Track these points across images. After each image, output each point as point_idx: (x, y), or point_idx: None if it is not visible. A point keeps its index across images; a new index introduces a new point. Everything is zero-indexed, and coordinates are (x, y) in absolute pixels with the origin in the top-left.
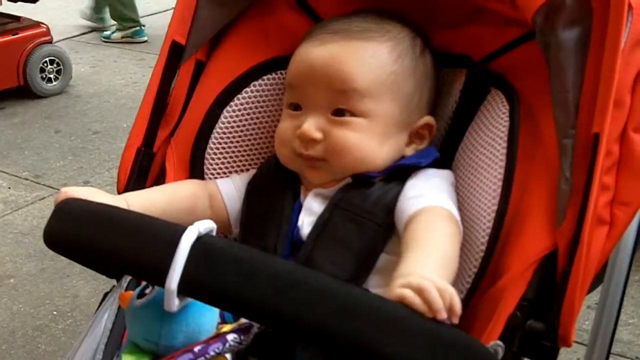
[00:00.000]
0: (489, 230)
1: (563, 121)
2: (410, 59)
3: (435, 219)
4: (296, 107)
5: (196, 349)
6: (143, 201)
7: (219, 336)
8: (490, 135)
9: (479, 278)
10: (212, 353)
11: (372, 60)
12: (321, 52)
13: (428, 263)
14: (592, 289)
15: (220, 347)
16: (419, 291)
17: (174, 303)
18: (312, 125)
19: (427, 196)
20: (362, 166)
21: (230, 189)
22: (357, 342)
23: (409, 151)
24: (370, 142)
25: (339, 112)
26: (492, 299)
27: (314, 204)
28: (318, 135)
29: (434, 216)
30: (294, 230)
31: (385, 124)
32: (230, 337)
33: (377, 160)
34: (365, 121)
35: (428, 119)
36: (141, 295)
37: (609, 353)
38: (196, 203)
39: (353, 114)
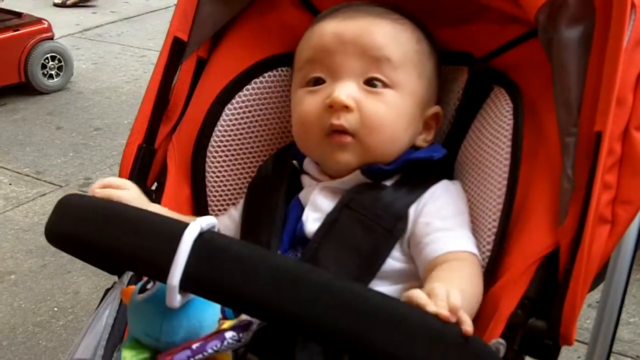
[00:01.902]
0: (494, 230)
1: (565, 119)
2: (427, 43)
3: (463, 271)
4: (316, 81)
5: (194, 346)
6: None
7: (217, 333)
8: (494, 133)
9: (487, 277)
10: (210, 350)
11: (400, 35)
12: (350, 24)
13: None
14: (593, 287)
15: (218, 345)
16: (429, 290)
17: (176, 299)
18: (343, 92)
19: (452, 233)
20: (390, 148)
21: (227, 224)
22: (357, 338)
23: (420, 141)
24: (402, 121)
25: (371, 82)
26: (494, 297)
27: (319, 198)
28: (351, 102)
29: (462, 266)
30: (296, 225)
31: (412, 102)
32: (229, 334)
33: (402, 144)
34: (397, 95)
35: (438, 108)
36: (143, 290)
37: (609, 352)
38: None
39: (385, 85)
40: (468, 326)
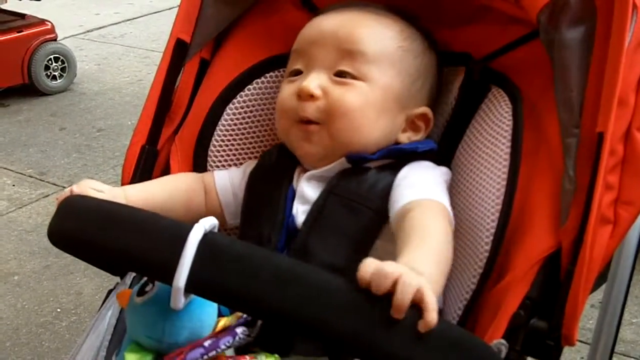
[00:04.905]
0: (493, 230)
1: (567, 120)
2: (418, 43)
3: (429, 215)
4: (297, 73)
5: (206, 343)
6: (142, 195)
7: (228, 330)
8: (492, 134)
9: (485, 279)
10: (222, 347)
11: (385, 30)
12: (334, 18)
13: (421, 261)
14: (595, 287)
15: (231, 341)
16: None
17: (181, 301)
18: (311, 82)
19: (421, 186)
20: (357, 137)
21: (224, 182)
22: (360, 339)
23: (404, 139)
24: (368, 111)
25: (341, 74)
26: (496, 298)
27: (306, 189)
28: (317, 91)
29: (428, 211)
30: (289, 218)
31: (385, 95)
32: (240, 330)
33: (372, 134)
34: (367, 86)
35: (426, 109)
36: (141, 292)
37: (612, 352)
38: (193, 198)
39: (355, 77)
40: (431, 319)
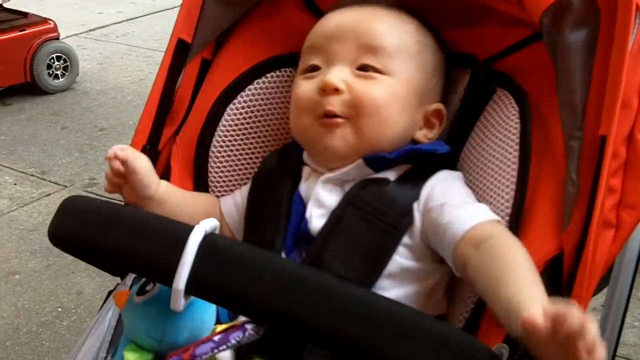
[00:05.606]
0: None
1: (570, 123)
2: (433, 40)
3: (514, 244)
4: (314, 69)
5: (216, 337)
6: (175, 190)
7: (237, 325)
8: (500, 137)
9: None
10: (233, 341)
11: (402, 27)
12: (352, 14)
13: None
14: (597, 291)
15: (240, 336)
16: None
17: (181, 303)
18: (334, 76)
19: (472, 207)
20: (382, 132)
21: (229, 206)
22: (360, 342)
23: (420, 136)
24: (394, 105)
25: (364, 68)
26: None
27: (322, 192)
28: (341, 85)
29: (509, 240)
30: (300, 222)
31: (407, 90)
32: (249, 326)
33: (395, 130)
34: (390, 79)
35: (440, 105)
36: (142, 291)
37: (614, 355)
38: (212, 213)
39: (378, 71)
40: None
